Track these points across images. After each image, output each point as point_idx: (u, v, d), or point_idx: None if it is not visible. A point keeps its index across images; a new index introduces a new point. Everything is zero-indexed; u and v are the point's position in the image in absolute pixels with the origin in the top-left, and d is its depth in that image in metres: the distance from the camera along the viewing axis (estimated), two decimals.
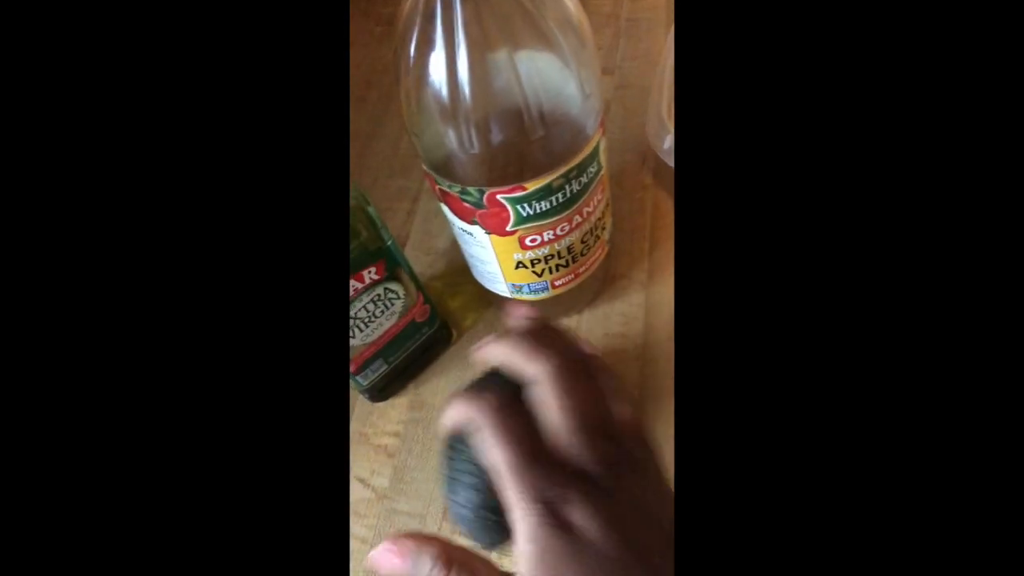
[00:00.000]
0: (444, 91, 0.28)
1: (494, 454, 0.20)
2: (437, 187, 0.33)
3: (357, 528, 0.39)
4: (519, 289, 0.39)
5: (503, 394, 0.21)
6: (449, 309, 0.47)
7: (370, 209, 0.32)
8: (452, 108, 0.28)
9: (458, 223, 0.35)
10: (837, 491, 0.16)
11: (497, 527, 0.21)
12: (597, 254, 0.40)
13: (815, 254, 0.16)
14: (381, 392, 0.43)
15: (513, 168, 0.31)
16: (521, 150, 0.30)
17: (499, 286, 0.40)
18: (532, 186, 0.31)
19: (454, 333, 0.46)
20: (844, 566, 0.15)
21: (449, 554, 0.21)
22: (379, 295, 0.36)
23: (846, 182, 0.16)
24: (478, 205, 0.32)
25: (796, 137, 0.16)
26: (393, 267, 0.35)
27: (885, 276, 0.16)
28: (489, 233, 0.34)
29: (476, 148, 0.29)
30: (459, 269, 0.48)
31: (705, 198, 0.17)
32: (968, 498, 0.15)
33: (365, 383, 0.41)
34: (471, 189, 0.31)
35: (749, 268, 0.16)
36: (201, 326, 0.17)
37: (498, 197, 0.31)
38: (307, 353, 0.18)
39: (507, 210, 0.32)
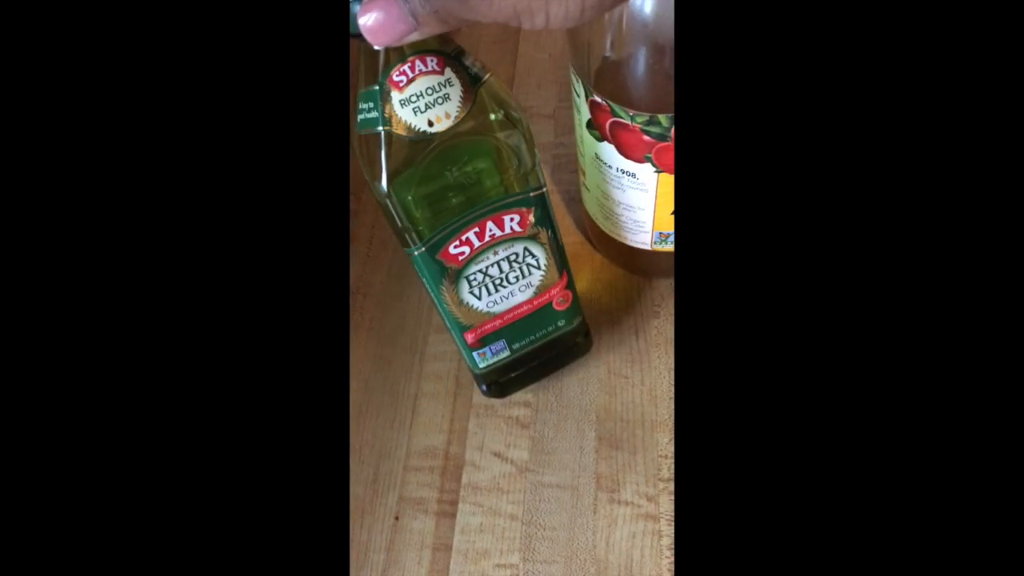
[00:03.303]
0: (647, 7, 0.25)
1: None
2: (609, 121, 0.30)
3: (503, 504, 0.36)
4: (665, 239, 0.37)
5: None
6: None
7: (524, 132, 0.27)
8: (657, 24, 0.25)
9: (619, 164, 0.32)
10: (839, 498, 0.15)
11: None
12: None
13: (817, 254, 0.16)
14: (499, 387, 0.38)
15: None
16: None
17: (641, 236, 0.37)
18: None
19: (594, 340, 0.40)
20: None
21: None
22: (516, 255, 0.31)
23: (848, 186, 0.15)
24: (663, 137, 0.29)
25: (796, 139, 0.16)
26: (540, 222, 0.30)
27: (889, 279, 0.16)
28: (659, 171, 0.32)
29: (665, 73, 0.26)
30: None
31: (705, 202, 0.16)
32: (968, 498, 0.15)
33: (482, 365, 0.35)
34: (661, 118, 0.28)
35: (751, 270, 0.16)
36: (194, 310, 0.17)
37: None
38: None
39: None
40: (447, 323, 0.33)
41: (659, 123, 0.29)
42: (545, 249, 0.31)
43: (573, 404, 0.39)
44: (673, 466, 0.36)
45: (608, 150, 0.32)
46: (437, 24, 0.19)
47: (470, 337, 0.34)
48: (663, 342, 0.40)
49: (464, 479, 0.37)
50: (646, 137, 0.30)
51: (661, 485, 0.36)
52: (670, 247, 0.38)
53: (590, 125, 0.32)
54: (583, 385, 0.39)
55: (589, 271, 0.44)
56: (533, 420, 0.39)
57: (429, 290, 0.31)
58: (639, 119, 0.29)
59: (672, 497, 0.35)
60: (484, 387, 0.38)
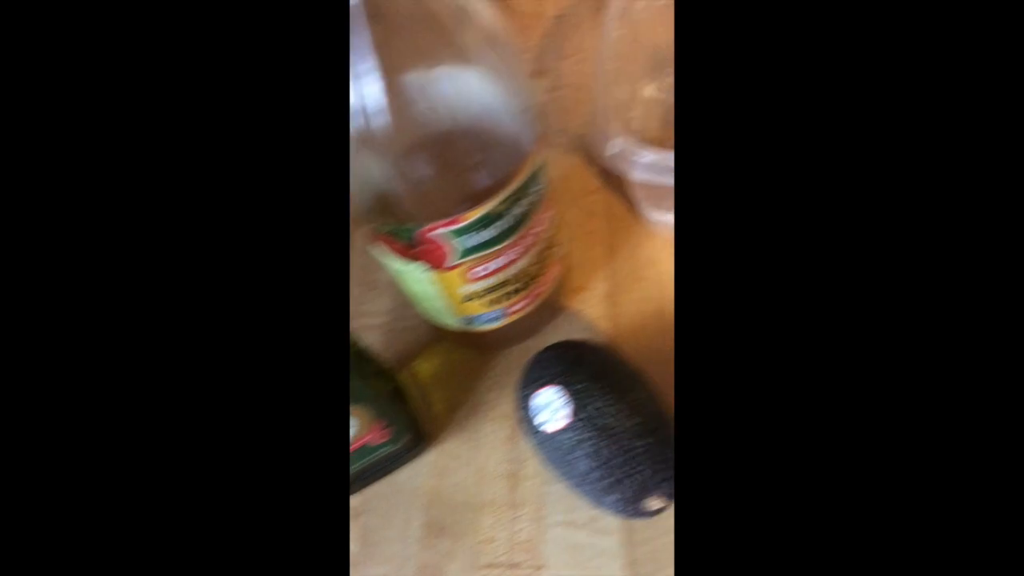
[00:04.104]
0: (361, 121, 0.25)
1: None
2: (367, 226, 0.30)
3: None
4: (471, 321, 0.36)
5: None
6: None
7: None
8: (371, 139, 0.25)
9: (395, 264, 0.32)
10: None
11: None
12: (554, 272, 0.37)
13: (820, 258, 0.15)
14: None
15: (449, 200, 0.28)
16: (455, 179, 0.27)
17: (448, 320, 0.37)
18: (471, 216, 0.28)
19: (424, 443, 0.39)
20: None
21: None
22: None
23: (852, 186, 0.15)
24: (413, 243, 0.29)
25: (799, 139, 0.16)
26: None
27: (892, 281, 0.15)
28: (430, 270, 0.31)
29: (406, 183, 0.26)
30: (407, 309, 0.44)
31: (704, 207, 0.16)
32: (968, 498, 0.15)
33: None
34: (408, 226, 0.28)
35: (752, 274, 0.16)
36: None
37: (431, 235, 0.28)
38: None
39: (445, 245, 0.29)
40: None
41: (405, 231, 0.28)
42: (358, 418, 0.31)
43: (403, 489, 0.38)
44: (496, 549, 0.36)
45: (383, 251, 0.32)
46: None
47: None
48: (496, 416, 0.40)
49: None
50: (398, 243, 0.29)
51: (480, 573, 0.35)
52: (482, 327, 0.37)
53: None
54: (414, 468, 0.39)
55: (428, 350, 0.43)
56: (363, 509, 0.38)
57: None
58: (383, 228, 0.29)
59: None
60: None
